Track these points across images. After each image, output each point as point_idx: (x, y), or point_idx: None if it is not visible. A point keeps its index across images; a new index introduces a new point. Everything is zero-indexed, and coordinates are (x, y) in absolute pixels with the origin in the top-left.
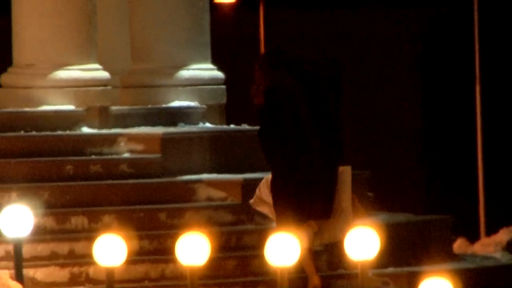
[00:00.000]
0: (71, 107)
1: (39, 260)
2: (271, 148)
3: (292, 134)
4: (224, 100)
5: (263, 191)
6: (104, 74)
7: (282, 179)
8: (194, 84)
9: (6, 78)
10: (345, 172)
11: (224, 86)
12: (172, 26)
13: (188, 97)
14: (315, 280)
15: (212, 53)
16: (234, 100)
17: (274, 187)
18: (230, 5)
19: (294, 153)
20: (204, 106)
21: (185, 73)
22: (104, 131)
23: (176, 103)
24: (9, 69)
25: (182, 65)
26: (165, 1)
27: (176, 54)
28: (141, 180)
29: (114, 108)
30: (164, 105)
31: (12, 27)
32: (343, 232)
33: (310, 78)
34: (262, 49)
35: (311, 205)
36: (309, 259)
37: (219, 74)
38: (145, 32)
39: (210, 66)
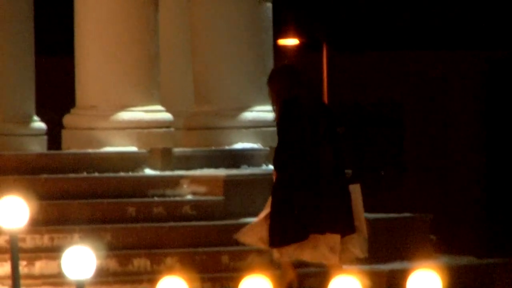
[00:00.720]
0: (133, 148)
1: None
2: (286, 156)
3: (308, 146)
4: None
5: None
6: (167, 116)
7: (290, 191)
8: (257, 126)
9: (69, 119)
10: (356, 190)
11: None
12: (236, 68)
13: (251, 139)
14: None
15: None
16: None
17: (279, 199)
18: (294, 47)
19: (308, 164)
20: (267, 148)
21: (249, 115)
22: (167, 173)
23: (239, 145)
24: (72, 111)
25: (246, 107)
26: (229, 42)
27: (240, 96)
28: (203, 222)
29: (177, 150)
30: (227, 147)
31: (75, 69)
32: (363, 250)
33: (319, 99)
34: (326, 91)
35: (331, 218)
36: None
37: None
38: (209, 73)
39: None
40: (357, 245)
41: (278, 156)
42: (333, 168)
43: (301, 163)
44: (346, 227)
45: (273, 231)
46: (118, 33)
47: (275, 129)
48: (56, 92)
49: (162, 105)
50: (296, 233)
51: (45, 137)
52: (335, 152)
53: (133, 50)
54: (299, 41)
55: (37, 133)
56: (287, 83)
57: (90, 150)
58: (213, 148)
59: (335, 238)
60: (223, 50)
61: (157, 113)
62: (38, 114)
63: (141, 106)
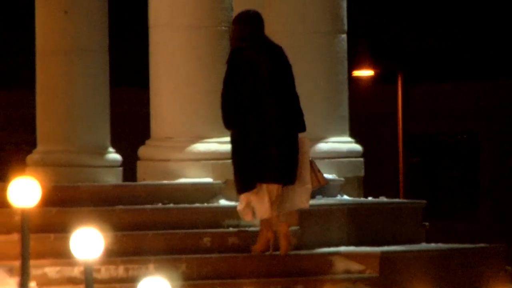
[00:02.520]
0: (208, 179)
1: None
2: (229, 109)
3: (249, 98)
4: (362, 173)
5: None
6: None
7: (239, 140)
8: (332, 156)
9: (144, 150)
10: (303, 141)
11: (362, 159)
12: (312, 99)
13: (326, 170)
14: (268, 234)
15: (350, 126)
16: (372, 172)
17: (232, 150)
18: (369, 78)
19: (250, 115)
20: (342, 178)
21: (324, 146)
22: None
23: None
24: (147, 142)
25: (321, 138)
26: (305, 74)
27: (315, 127)
28: (279, 252)
29: None
30: None
31: (150, 100)
32: (302, 200)
33: (273, 52)
34: (400, 123)
35: (269, 168)
36: (265, 228)
37: (357, 147)
38: None
39: (348, 139)
40: (300, 195)
41: (225, 112)
42: (278, 120)
43: (243, 120)
44: (285, 177)
45: (234, 182)
46: (192, 66)
47: (349, 159)
48: (131, 124)
49: None
50: (245, 183)
51: (120, 169)
52: (282, 105)
53: (208, 82)
54: (374, 72)
55: (112, 165)
56: (237, 30)
57: (165, 181)
58: None
59: (274, 188)
60: (299, 82)
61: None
62: (113, 146)
63: (216, 137)
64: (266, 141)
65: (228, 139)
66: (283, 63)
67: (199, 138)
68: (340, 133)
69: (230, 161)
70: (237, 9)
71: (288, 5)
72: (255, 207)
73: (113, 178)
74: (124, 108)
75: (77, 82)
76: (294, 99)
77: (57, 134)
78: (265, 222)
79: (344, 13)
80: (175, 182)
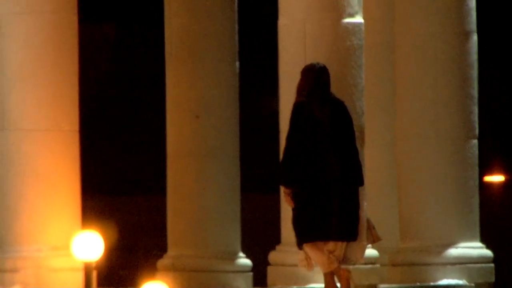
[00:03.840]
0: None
1: None
2: (289, 166)
3: (312, 153)
4: (492, 279)
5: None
6: (373, 252)
7: (301, 195)
8: (462, 262)
9: (275, 256)
10: (363, 197)
11: (492, 265)
12: (441, 205)
13: (456, 275)
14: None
15: (480, 231)
16: (503, 278)
17: (295, 205)
18: (500, 183)
19: (312, 171)
20: (472, 284)
21: (454, 252)
22: None
23: (444, 281)
24: (278, 247)
25: (451, 244)
26: (435, 179)
27: (445, 233)
28: None
29: (382, 286)
30: (432, 283)
31: (280, 206)
32: (358, 257)
33: (335, 106)
34: None
35: (332, 225)
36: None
37: (488, 253)
38: (414, 210)
39: (479, 244)
40: (356, 251)
41: (284, 170)
42: (339, 177)
43: (305, 175)
44: (347, 233)
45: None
46: None
47: (480, 265)
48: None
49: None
50: (306, 236)
51: (251, 274)
52: (343, 160)
53: None
54: (505, 178)
55: (242, 270)
56: (301, 83)
57: (295, 287)
58: (418, 284)
59: (334, 245)
60: (428, 187)
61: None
62: (243, 251)
63: None
64: (329, 196)
65: None
66: (344, 118)
67: None
68: (471, 238)
69: (363, 266)
70: None
71: (420, 110)
72: (316, 261)
73: (243, 283)
74: (254, 213)
75: (208, 186)
76: (354, 153)
77: (188, 238)
78: (329, 276)
79: (475, 118)
80: (305, 287)
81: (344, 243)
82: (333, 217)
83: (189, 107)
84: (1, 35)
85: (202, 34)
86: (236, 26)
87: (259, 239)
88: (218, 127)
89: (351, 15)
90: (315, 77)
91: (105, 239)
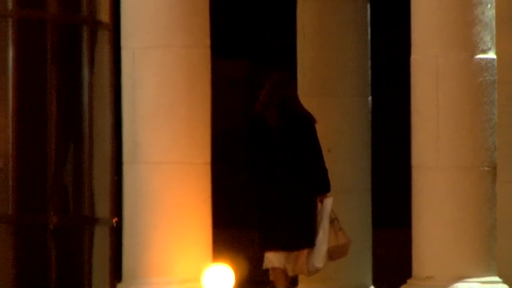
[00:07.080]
0: None
1: None
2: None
3: (264, 164)
4: None
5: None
6: (503, 287)
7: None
8: None
9: None
10: (326, 203)
11: None
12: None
13: None
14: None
15: None
16: None
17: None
18: None
19: (264, 181)
20: None
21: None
22: None
23: None
24: (409, 281)
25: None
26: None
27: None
28: None
29: None
30: None
31: (413, 240)
32: (315, 262)
33: (294, 116)
34: None
35: (274, 235)
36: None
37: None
38: None
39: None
40: (313, 256)
41: (247, 175)
42: (293, 188)
43: (260, 184)
44: (302, 242)
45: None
46: (456, 207)
47: None
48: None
49: (499, 276)
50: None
51: None
52: (295, 168)
53: (473, 221)
54: None
55: None
56: (261, 94)
57: None
58: None
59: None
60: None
61: (495, 284)
62: (374, 284)
63: (477, 277)
64: (274, 206)
65: (492, 279)
66: (301, 128)
67: (461, 277)
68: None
69: None
70: None
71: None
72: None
73: None
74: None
75: (341, 220)
76: (312, 162)
77: (319, 272)
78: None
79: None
80: None
81: (302, 252)
82: (276, 228)
83: (321, 141)
84: (135, 68)
85: (334, 68)
86: (369, 61)
87: (391, 273)
88: (349, 161)
89: (484, 51)
90: (268, 89)
91: (236, 273)
